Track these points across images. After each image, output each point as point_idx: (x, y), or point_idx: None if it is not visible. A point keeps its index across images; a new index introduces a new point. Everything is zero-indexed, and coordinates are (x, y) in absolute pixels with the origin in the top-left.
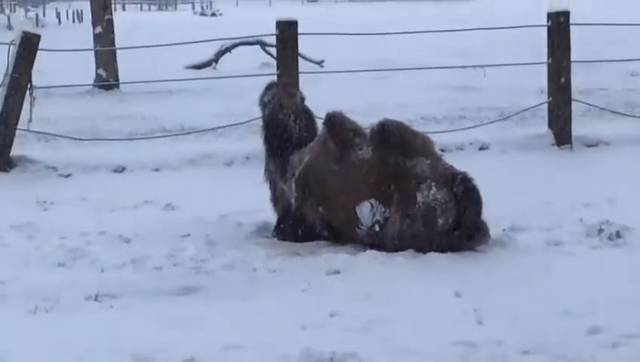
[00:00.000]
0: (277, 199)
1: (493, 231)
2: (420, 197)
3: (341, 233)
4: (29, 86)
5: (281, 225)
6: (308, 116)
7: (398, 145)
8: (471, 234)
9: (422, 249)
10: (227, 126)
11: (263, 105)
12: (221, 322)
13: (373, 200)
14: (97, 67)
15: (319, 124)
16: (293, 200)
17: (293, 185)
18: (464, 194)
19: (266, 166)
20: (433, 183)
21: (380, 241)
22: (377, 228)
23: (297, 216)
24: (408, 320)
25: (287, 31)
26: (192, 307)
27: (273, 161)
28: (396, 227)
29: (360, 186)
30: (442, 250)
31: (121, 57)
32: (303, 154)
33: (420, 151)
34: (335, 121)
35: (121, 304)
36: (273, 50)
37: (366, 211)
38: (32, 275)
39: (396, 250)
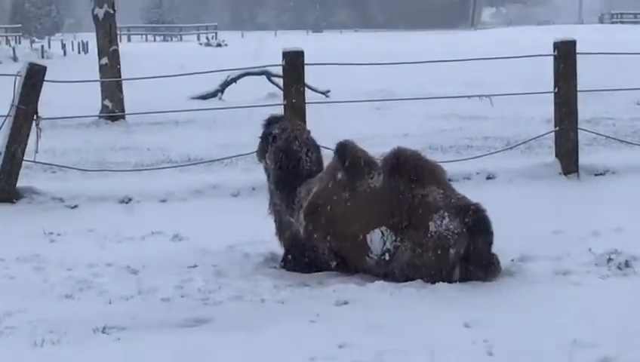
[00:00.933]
0: (282, 231)
1: (502, 261)
2: (432, 227)
3: (350, 262)
4: (35, 117)
5: (289, 256)
6: (317, 150)
7: (411, 174)
8: (481, 266)
9: (432, 279)
10: (233, 157)
11: (273, 137)
12: (229, 354)
13: (384, 229)
14: (103, 98)
15: (328, 155)
16: (301, 230)
17: (302, 215)
18: (476, 226)
19: (270, 199)
20: (446, 213)
21: (389, 271)
22: (387, 257)
23: (306, 246)
24: (418, 351)
25: (294, 61)
26: (200, 339)
27: (279, 193)
28: (407, 256)
29: (371, 214)
30: (452, 281)
31: (126, 88)
32: (311, 185)
33: (432, 180)
34: (346, 149)
35: (128, 336)
36: (279, 81)
37: (376, 239)
38: (39, 307)
39: (406, 280)
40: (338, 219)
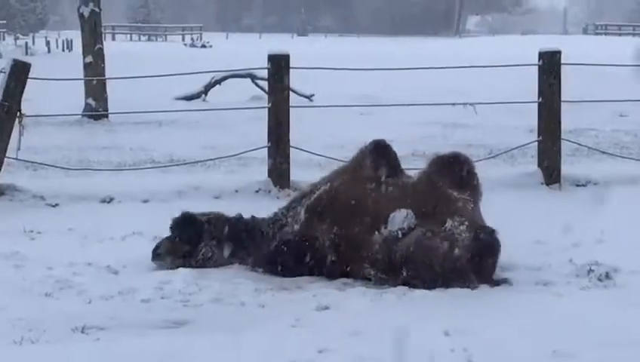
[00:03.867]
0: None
1: None
2: (448, 224)
3: (353, 244)
4: (18, 114)
5: (277, 257)
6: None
7: (455, 177)
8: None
9: (428, 265)
10: (216, 159)
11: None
12: (208, 357)
13: (410, 211)
14: (87, 97)
15: (311, 159)
16: (297, 227)
17: (302, 211)
18: (484, 243)
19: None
20: (466, 222)
21: (393, 248)
22: (400, 235)
23: (304, 241)
24: (397, 359)
25: (279, 64)
26: (179, 341)
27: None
28: (416, 234)
29: (401, 202)
30: (445, 274)
31: (110, 87)
32: (316, 186)
33: (470, 191)
34: (386, 145)
35: (108, 336)
36: (263, 83)
37: (399, 217)
38: (18, 305)
39: (404, 260)
40: (358, 207)
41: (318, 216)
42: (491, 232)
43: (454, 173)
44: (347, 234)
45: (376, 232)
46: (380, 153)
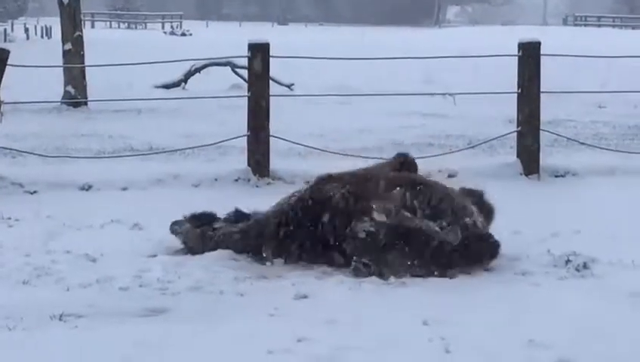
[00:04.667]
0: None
1: None
2: (468, 220)
3: (366, 196)
4: None
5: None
6: None
7: (475, 202)
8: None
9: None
10: (195, 147)
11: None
12: (186, 345)
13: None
14: (66, 84)
15: (292, 148)
16: (303, 191)
17: (309, 185)
18: (492, 246)
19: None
20: (480, 227)
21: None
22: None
23: (310, 198)
24: (375, 348)
25: (259, 53)
26: (157, 329)
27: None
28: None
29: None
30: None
31: (90, 75)
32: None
33: (485, 217)
34: (412, 160)
35: (86, 324)
36: (243, 72)
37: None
38: None
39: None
40: (371, 178)
41: (326, 180)
42: (497, 242)
43: (475, 197)
44: (359, 191)
45: (398, 188)
46: (403, 165)
